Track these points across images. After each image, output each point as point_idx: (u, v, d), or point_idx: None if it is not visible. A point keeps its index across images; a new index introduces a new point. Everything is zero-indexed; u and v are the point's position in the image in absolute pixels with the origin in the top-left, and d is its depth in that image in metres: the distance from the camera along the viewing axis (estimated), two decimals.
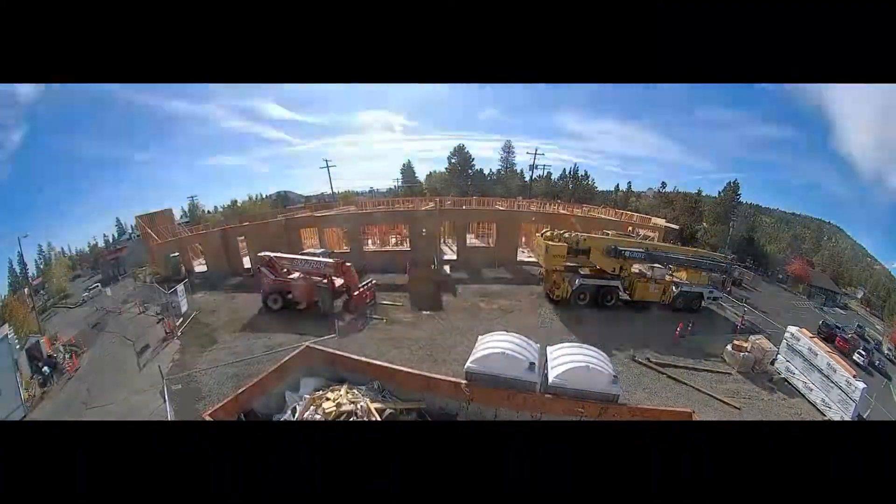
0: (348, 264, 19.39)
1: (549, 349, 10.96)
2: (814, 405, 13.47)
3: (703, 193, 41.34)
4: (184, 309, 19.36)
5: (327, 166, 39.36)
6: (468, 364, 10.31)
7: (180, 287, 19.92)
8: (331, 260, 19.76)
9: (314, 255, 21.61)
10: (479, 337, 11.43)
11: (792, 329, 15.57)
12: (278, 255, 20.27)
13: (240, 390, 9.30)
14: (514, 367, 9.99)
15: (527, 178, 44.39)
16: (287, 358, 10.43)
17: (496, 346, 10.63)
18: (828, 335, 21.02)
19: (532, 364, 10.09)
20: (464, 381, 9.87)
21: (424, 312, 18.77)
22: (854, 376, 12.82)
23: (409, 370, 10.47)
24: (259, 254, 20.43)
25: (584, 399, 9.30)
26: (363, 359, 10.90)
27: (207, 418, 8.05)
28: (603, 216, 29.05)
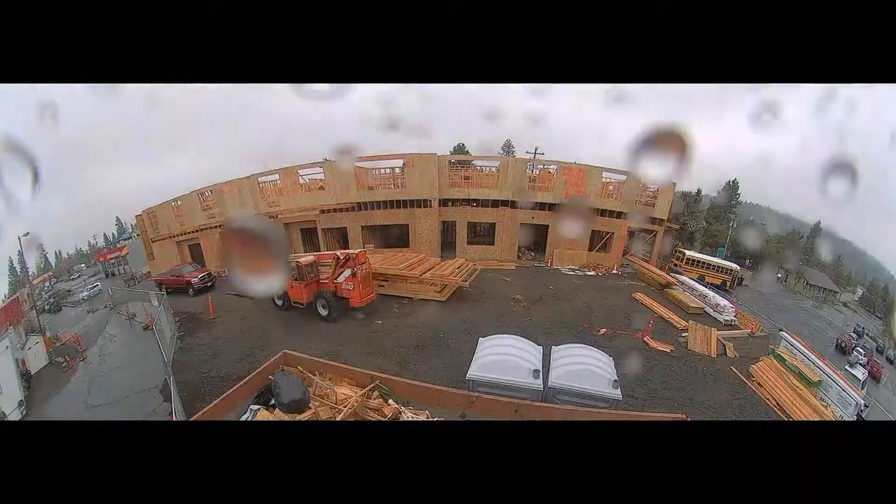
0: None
1: (553, 349, 10.80)
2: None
3: (703, 193, 41.32)
4: None
5: None
6: (470, 372, 9.87)
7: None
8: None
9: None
10: (480, 339, 11.16)
11: (783, 334, 15.68)
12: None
13: (228, 392, 9.01)
14: (518, 374, 9.58)
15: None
16: (263, 367, 9.73)
17: (499, 351, 10.25)
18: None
19: (536, 371, 9.71)
20: (461, 391, 9.32)
21: None
22: None
23: (396, 378, 9.89)
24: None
25: (585, 402, 9.16)
26: (342, 365, 10.27)
27: (203, 418, 7.97)
28: None
